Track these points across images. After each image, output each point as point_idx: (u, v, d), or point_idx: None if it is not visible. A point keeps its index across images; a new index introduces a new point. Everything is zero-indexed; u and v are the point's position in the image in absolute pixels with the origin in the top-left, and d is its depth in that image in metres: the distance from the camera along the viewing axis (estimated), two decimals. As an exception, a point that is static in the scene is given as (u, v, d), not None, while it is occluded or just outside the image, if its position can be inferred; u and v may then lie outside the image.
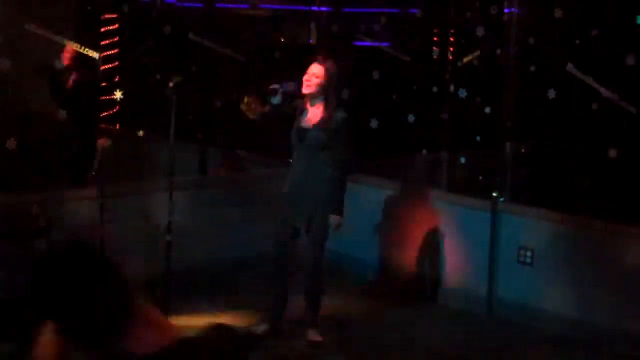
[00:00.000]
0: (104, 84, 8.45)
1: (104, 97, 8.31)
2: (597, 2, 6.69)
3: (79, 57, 6.79)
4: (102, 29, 8.83)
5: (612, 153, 6.06)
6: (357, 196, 6.89)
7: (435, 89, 6.98)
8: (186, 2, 9.06)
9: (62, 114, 6.31)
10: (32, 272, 2.21)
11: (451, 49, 6.76)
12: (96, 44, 8.11)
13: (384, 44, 8.13)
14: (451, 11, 6.74)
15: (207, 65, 7.75)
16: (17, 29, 6.30)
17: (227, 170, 7.63)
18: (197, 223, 6.75)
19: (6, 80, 6.22)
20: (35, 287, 2.19)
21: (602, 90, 5.93)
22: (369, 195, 7.05)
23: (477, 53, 6.79)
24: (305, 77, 5.40)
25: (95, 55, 6.98)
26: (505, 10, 6.27)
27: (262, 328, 5.75)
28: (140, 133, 7.72)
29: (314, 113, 5.45)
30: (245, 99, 5.32)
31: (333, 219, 5.49)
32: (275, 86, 5.33)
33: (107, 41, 8.85)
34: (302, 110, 5.47)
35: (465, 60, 6.96)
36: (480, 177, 6.82)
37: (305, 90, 5.40)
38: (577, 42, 6.79)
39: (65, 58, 6.72)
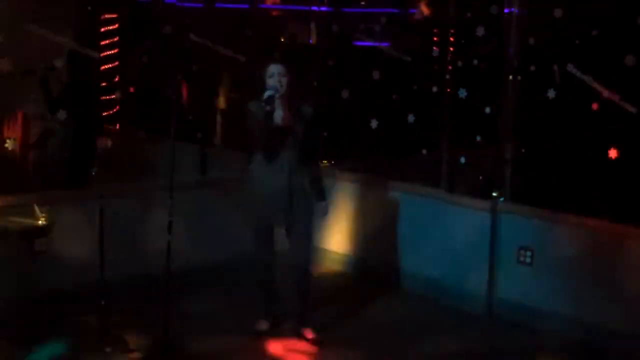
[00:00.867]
0: (104, 84, 8.46)
1: (104, 97, 8.32)
2: (597, 2, 6.68)
3: (76, 58, 6.79)
4: (102, 29, 8.83)
5: (612, 153, 6.06)
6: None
7: (435, 89, 6.97)
8: (186, 2, 9.06)
9: (62, 114, 6.31)
10: None
11: (451, 49, 6.74)
12: (96, 44, 8.11)
13: (384, 44, 8.13)
14: (451, 11, 6.72)
15: (207, 66, 7.76)
16: (17, 29, 6.30)
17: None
18: (197, 223, 6.76)
19: (6, 80, 6.22)
20: None
21: (603, 90, 5.93)
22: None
23: (480, 51, 6.79)
24: (274, 79, 5.35)
25: (95, 55, 6.99)
26: (505, 10, 6.27)
27: (262, 327, 5.76)
28: (140, 133, 7.71)
29: (286, 112, 5.43)
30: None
31: (321, 204, 5.68)
32: (272, 92, 5.30)
33: (107, 41, 8.85)
34: (273, 111, 5.42)
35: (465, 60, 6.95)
36: (480, 177, 6.81)
37: (273, 90, 5.32)
38: (577, 42, 6.78)
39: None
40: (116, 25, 8.96)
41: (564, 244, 5.93)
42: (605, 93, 5.92)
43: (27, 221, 5.50)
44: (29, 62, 6.67)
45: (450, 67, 6.74)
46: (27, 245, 5.50)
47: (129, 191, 6.63)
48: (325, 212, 5.79)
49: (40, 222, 5.48)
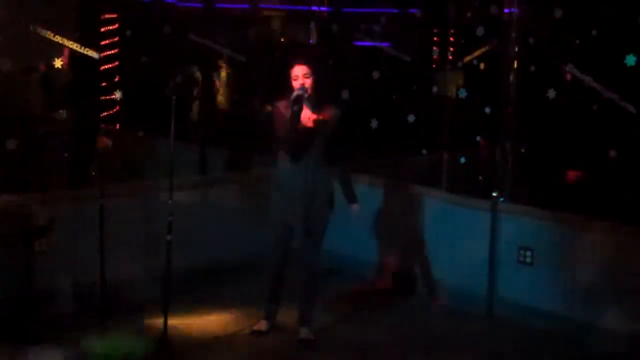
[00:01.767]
0: (104, 84, 8.45)
1: (104, 97, 8.31)
2: (597, 2, 6.69)
3: (76, 57, 6.79)
4: (102, 29, 8.82)
5: (612, 153, 6.07)
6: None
7: (435, 89, 6.98)
8: (186, 2, 9.06)
9: (62, 114, 6.32)
10: None
11: (451, 49, 6.75)
12: (96, 44, 8.10)
13: (384, 44, 8.13)
14: (451, 11, 6.73)
15: (207, 66, 7.76)
16: (17, 29, 6.30)
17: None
18: (197, 223, 6.76)
19: (6, 80, 6.22)
20: None
21: (603, 90, 5.93)
22: (360, 193, 7.10)
23: (481, 50, 6.79)
24: (299, 81, 5.36)
25: (95, 55, 6.98)
26: (505, 11, 6.27)
27: (262, 327, 5.76)
28: (140, 133, 7.72)
29: (312, 113, 5.44)
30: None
31: (354, 207, 5.73)
32: (300, 92, 5.29)
33: (107, 41, 8.84)
34: (301, 111, 5.44)
35: (465, 60, 6.96)
36: (480, 177, 6.81)
37: (298, 90, 5.34)
38: (577, 42, 6.78)
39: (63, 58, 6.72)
40: (116, 25, 8.95)
41: (564, 244, 5.93)
42: (606, 93, 5.92)
43: (27, 221, 5.50)
44: (28, 62, 6.68)
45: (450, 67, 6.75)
46: (27, 245, 5.49)
47: (129, 191, 6.62)
48: (358, 214, 5.75)
49: (40, 222, 5.48)
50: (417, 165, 7.68)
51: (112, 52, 8.89)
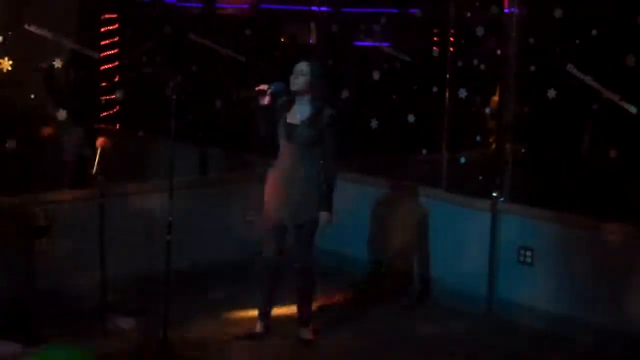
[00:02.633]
0: (104, 84, 8.46)
1: (104, 97, 8.32)
2: (597, 2, 6.69)
3: (77, 57, 6.79)
4: (102, 29, 8.83)
5: (612, 153, 6.07)
6: (347, 193, 6.93)
7: (435, 89, 6.98)
8: (186, 2, 9.06)
9: (62, 114, 6.31)
10: None
11: (451, 49, 6.75)
12: (96, 44, 8.11)
13: (384, 44, 8.13)
14: (451, 11, 6.73)
15: (207, 65, 7.75)
16: (17, 29, 6.29)
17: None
18: (197, 223, 6.76)
19: (6, 80, 6.21)
20: None
21: (603, 90, 5.93)
22: (358, 193, 7.13)
23: (480, 51, 6.80)
24: (292, 76, 5.42)
25: (95, 55, 6.98)
26: (505, 10, 6.27)
27: (258, 329, 5.76)
28: (140, 133, 7.72)
29: (302, 110, 5.45)
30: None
31: (323, 216, 5.49)
32: (264, 87, 5.34)
33: (107, 41, 8.85)
34: (290, 108, 5.46)
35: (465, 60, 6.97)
36: (480, 177, 6.81)
37: (293, 87, 5.41)
38: (577, 42, 6.79)
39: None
40: (116, 25, 8.96)
41: (564, 244, 5.93)
42: (606, 93, 5.92)
43: (27, 221, 5.50)
44: (28, 62, 6.67)
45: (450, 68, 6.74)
46: (27, 245, 5.49)
47: (129, 191, 6.63)
48: (325, 226, 5.54)
49: (40, 222, 5.48)
50: (417, 165, 7.69)
51: (112, 52, 8.90)
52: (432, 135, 7.21)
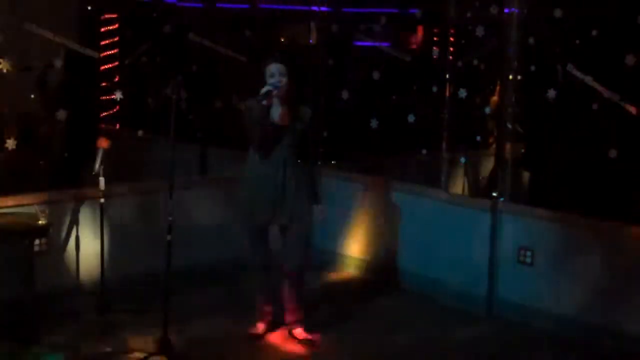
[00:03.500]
0: (104, 84, 8.45)
1: (104, 97, 8.31)
2: (597, 2, 6.69)
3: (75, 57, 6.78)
4: (102, 29, 8.82)
5: (612, 153, 6.07)
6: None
7: (435, 89, 6.98)
8: (186, 2, 9.05)
9: (62, 114, 6.31)
10: None
11: (451, 49, 6.75)
12: (96, 44, 8.11)
13: (384, 44, 8.13)
14: (451, 11, 6.73)
15: (207, 65, 7.76)
16: (17, 29, 6.30)
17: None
18: (197, 223, 6.76)
19: (6, 80, 6.22)
20: None
21: (603, 90, 5.93)
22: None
23: (480, 51, 6.81)
24: (274, 79, 5.34)
25: (95, 55, 6.98)
26: (505, 10, 6.27)
27: (258, 330, 5.76)
28: (140, 133, 7.71)
29: (284, 111, 5.43)
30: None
31: (317, 208, 5.59)
32: (270, 87, 5.31)
33: (107, 41, 8.84)
34: (269, 109, 5.40)
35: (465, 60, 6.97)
36: (481, 177, 6.82)
37: (270, 88, 5.31)
38: (577, 42, 6.79)
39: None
40: (116, 25, 8.95)
41: (564, 244, 5.93)
42: (606, 93, 5.92)
43: (27, 221, 5.50)
44: (28, 62, 6.68)
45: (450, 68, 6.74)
46: (27, 245, 5.49)
47: (129, 191, 6.62)
48: (322, 215, 5.68)
49: (40, 222, 5.48)
50: (417, 165, 7.69)
51: (112, 52, 8.89)
52: (432, 135, 7.22)
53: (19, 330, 5.41)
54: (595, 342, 5.67)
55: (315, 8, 7.74)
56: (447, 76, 6.71)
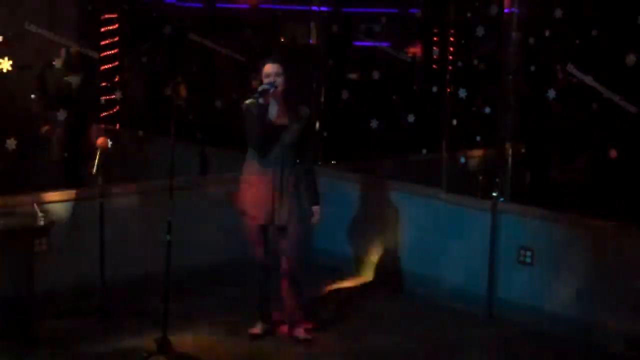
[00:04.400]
0: (104, 84, 8.45)
1: (104, 97, 8.31)
2: (597, 2, 6.69)
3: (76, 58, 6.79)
4: (102, 29, 8.82)
5: (612, 153, 6.06)
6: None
7: (435, 89, 6.98)
8: (186, 2, 9.06)
9: (63, 114, 6.31)
10: None
11: (451, 49, 6.74)
12: (96, 44, 8.11)
13: (384, 44, 8.13)
14: (451, 11, 6.72)
15: (207, 65, 7.76)
16: (17, 29, 6.30)
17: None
18: (197, 223, 6.76)
19: (6, 80, 6.22)
20: None
21: (603, 90, 5.93)
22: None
23: (480, 51, 6.80)
24: (271, 79, 5.34)
25: (95, 55, 6.98)
26: (505, 10, 6.27)
27: (257, 330, 5.76)
28: (140, 133, 7.72)
29: (282, 111, 5.43)
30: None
31: (315, 209, 5.60)
32: (266, 86, 5.31)
33: (107, 41, 8.84)
34: (267, 108, 5.39)
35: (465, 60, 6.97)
36: (481, 177, 6.81)
37: (267, 87, 5.31)
38: (577, 42, 6.79)
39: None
40: (116, 25, 8.95)
41: (564, 244, 5.93)
42: (606, 93, 5.91)
43: (27, 221, 5.50)
44: (27, 61, 6.68)
45: (450, 67, 6.74)
46: (27, 245, 5.49)
47: (129, 191, 6.62)
48: (317, 217, 5.66)
49: (40, 222, 5.48)
50: (417, 165, 7.69)
51: (112, 52, 8.89)
52: (432, 135, 7.22)
53: (19, 330, 5.41)
54: (595, 342, 5.67)
55: (315, 8, 7.74)
56: (447, 76, 6.71)
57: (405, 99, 8.18)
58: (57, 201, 6.14)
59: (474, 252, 6.34)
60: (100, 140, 5.85)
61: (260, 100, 5.28)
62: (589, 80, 6.02)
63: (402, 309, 6.49)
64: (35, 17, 6.43)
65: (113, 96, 8.42)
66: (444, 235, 6.54)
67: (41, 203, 5.78)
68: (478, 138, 6.74)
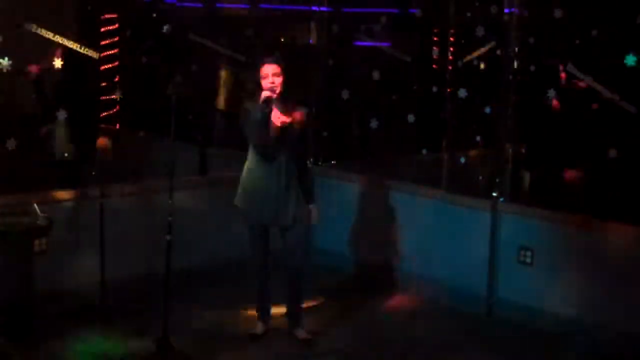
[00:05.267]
0: (103, 84, 8.46)
1: (104, 97, 8.32)
2: (597, 2, 6.69)
3: (72, 57, 6.77)
4: (102, 29, 8.83)
5: (612, 153, 6.06)
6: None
7: (435, 89, 6.98)
8: (186, 2, 9.05)
9: (62, 114, 6.31)
10: None
11: (451, 49, 6.75)
12: (96, 44, 8.11)
13: (384, 44, 8.13)
14: (451, 11, 6.73)
15: (207, 65, 7.76)
16: (16, 29, 6.29)
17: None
18: (197, 223, 6.76)
19: (6, 80, 6.22)
20: None
21: (603, 90, 5.93)
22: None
23: (481, 51, 6.80)
24: (268, 80, 5.33)
25: (95, 55, 6.98)
26: (505, 10, 6.27)
27: (257, 330, 5.76)
28: (141, 133, 7.72)
29: (281, 111, 5.41)
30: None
31: (314, 209, 5.61)
32: (267, 94, 5.30)
33: (107, 41, 8.84)
34: (271, 111, 5.38)
35: (465, 59, 6.97)
36: (481, 177, 6.82)
37: (274, 92, 5.31)
38: (577, 42, 6.79)
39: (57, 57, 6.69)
40: (116, 25, 8.96)
41: (564, 244, 5.93)
42: (606, 93, 5.92)
43: (27, 221, 5.50)
44: (27, 61, 6.67)
45: (450, 67, 6.74)
46: (27, 245, 5.49)
47: (129, 191, 6.63)
48: (315, 215, 5.66)
49: (40, 222, 5.48)
50: (416, 165, 7.69)
51: (112, 52, 8.89)
52: (432, 135, 7.23)
53: (19, 330, 5.41)
54: (595, 341, 5.67)
55: (315, 8, 7.74)
56: (447, 76, 6.71)
57: (404, 99, 8.18)
58: (57, 201, 6.14)
59: (474, 252, 6.34)
60: (100, 141, 5.86)
61: (266, 109, 5.27)
62: (589, 80, 6.02)
63: (402, 309, 6.49)
64: (36, 18, 6.43)
65: (113, 96, 8.43)
66: (444, 235, 6.54)
67: (41, 203, 5.78)
68: (478, 138, 6.76)
